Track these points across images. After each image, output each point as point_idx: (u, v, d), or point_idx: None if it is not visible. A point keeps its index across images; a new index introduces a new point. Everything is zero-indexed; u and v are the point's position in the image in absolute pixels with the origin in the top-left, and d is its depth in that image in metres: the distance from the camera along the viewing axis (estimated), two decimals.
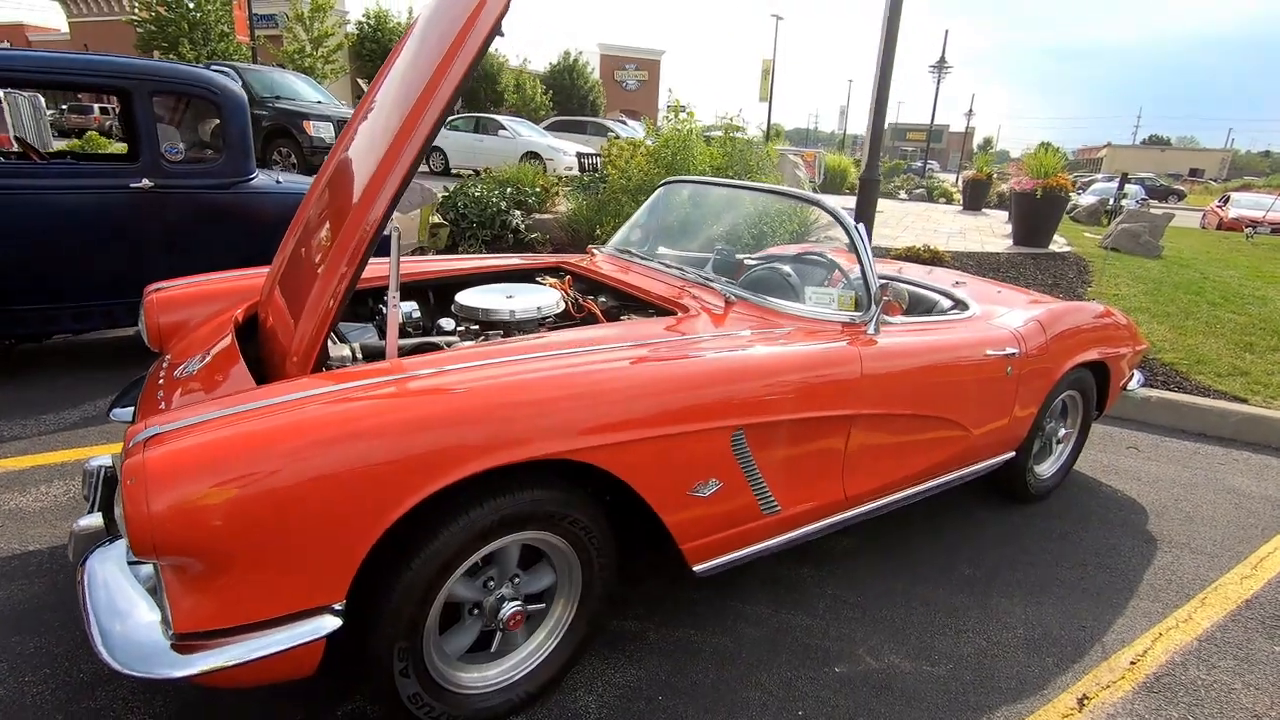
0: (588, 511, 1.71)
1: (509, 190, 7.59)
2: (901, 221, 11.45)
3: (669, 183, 3.22)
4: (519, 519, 1.58)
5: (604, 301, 2.51)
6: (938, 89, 28.67)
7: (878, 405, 2.19)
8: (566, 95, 39.51)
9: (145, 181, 3.57)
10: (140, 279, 3.80)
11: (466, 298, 2.27)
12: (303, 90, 11.77)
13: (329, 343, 1.92)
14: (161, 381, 1.93)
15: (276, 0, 29.72)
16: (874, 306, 2.25)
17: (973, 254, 7.78)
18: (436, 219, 6.02)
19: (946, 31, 27.30)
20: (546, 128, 18.25)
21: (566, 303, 2.44)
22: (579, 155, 11.30)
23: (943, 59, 27.82)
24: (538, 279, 2.77)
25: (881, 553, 2.64)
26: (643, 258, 2.75)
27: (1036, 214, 8.60)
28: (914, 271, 3.58)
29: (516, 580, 1.73)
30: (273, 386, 1.54)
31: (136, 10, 27.88)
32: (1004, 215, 12.82)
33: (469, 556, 1.55)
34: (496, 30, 1.64)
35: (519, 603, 1.70)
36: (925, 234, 9.60)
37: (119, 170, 3.56)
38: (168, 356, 2.16)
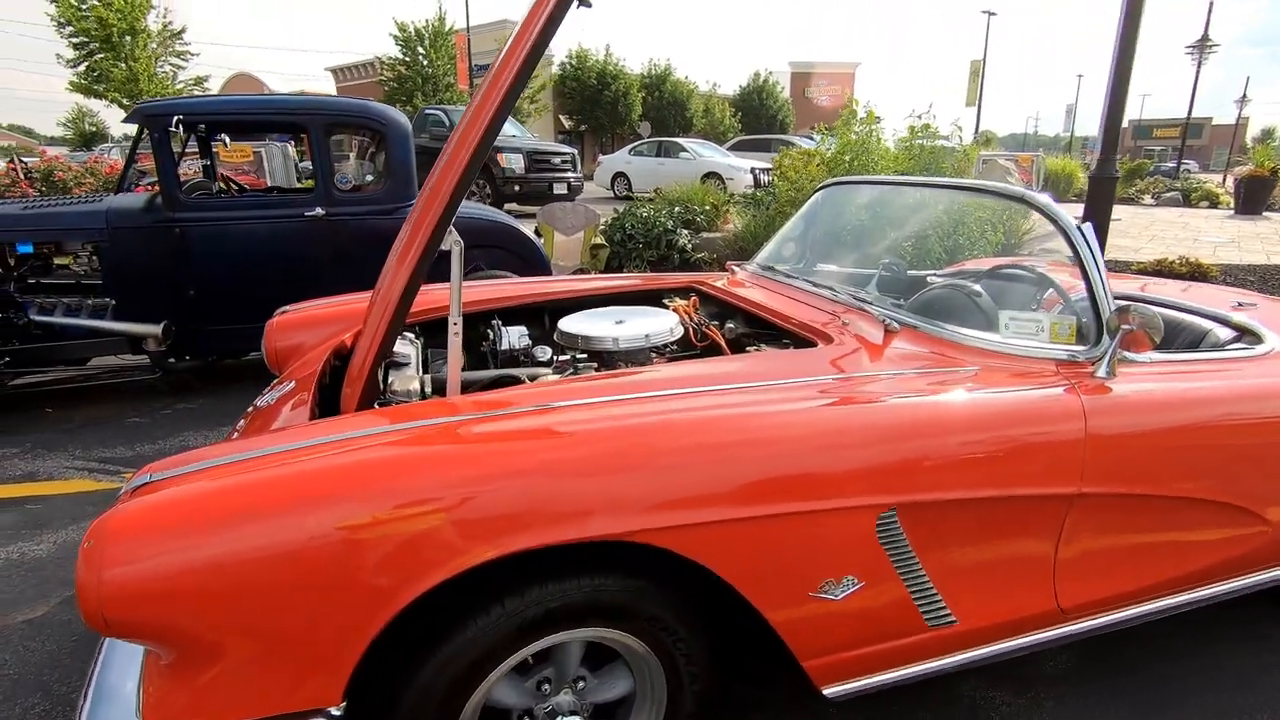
0: (672, 606, 1.29)
1: (677, 210, 7.37)
2: (1147, 230, 9.54)
3: (827, 185, 2.71)
4: (573, 613, 1.22)
5: (733, 328, 2.08)
6: (1198, 74, 23.93)
7: (1112, 481, 1.53)
8: (755, 116, 39.34)
9: (318, 210, 3.78)
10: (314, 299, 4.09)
11: (569, 323, 1.98)
12: None
13: (404, 372, 1.72)
14: (249, 411, 1.85)
15: (492, 51, 32.98)
16: (1107, 338, 1.59)
17: (1255, 267, 6.13)
18: (598, 240, 5.96)
19: (1211, 3, 22.55)
20: (730, 148, 18.05)
21: (687, 329, 2.05)
22: (753, 171, 10.86)
23: (1205, 36, 23.19)
24: (665, 300, 2.41)
25: (1115, 680, 1.89)
26: (788, 276, 2.28)
27: None
28: (1165, 289, 2.70)
29: (581, 684, 1.36)
30: (298, 428, 1.33)
31: (384, 72, 32.62)
32: None
33: (506, 657, 1.21)
34: (552, 28, 1.34)
35: (578, 718, 1.33)
36: (1181, 244, 7.84)
37: (298, 200, 3.82)
38: (274, 382, 2.11)
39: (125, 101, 26.44)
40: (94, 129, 44.85)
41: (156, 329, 3.67)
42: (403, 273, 1.40)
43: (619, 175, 16.22)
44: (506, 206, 11.48)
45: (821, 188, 2.73)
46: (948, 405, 1.45)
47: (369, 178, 5.16)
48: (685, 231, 7.12)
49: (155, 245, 3.63)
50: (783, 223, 5.64)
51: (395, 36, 30.38)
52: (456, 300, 1.46)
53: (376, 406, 1.51)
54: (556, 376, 1.71)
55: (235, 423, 1.79)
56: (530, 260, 4.28)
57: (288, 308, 2.41)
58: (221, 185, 4.41)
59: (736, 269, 2.60)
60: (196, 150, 4.55)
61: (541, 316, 2.45)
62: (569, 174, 12.30)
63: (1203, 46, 23.71)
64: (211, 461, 1.15)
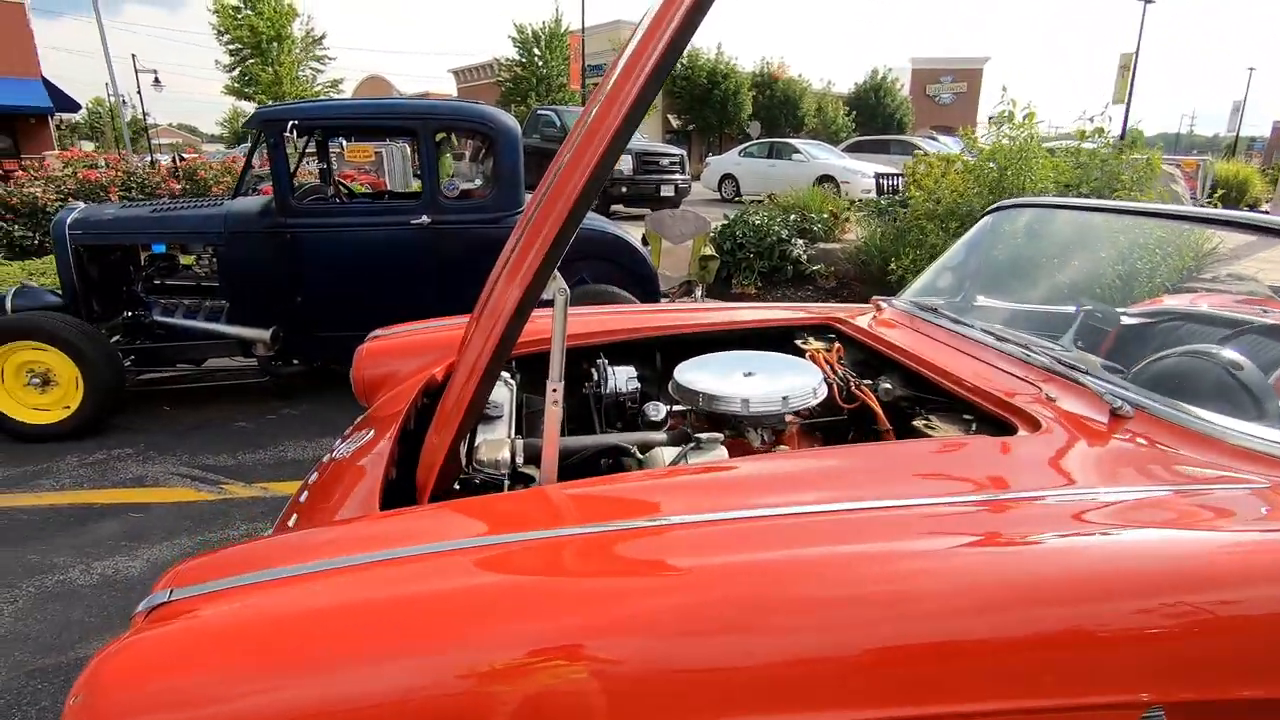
0: None
1: (793, 217, 6.91)
2: None
3: (1002, 208, 2.25)
4: None
5: (889, 389, 1.68)
6: None
7: None
8: (870, 115, 37.66)
9: (424, 218, 3.66)
10: (417, 313, 3.98)
11: (687, 373, 1.65)
12: None
13: (493, 430, 1.46)
14: (325, 460, 1.65)
15: (605, 52, 33.29)
16: None
17: None
18: (708, 250, 5.62)
19: None
20: (845, 149, 17.20)
21: (831, 385, 1.67)
22: (878, 176, 10.12)
23: None
24: (798, 339, 2.05)
25: None
26: (956, 319, 1.85)
27: None
28: None
29: None
30: (364, 527, 1.08)
31: (501, 73, 33.72)
32: None
33: None
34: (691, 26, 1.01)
35: None
36: None
37: (404, 208, 3.72)
38: (357, 421, 1.91)
39: (270, 103, 28.67)
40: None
41: (265, 334, 3.67)
42: (497, 325, 1.12)
43: (727, 177, 15.79)
44: (611, 208, 11.35)
45: (992, 211, 2.27)
46: (1235, 545, 1.02)
47: (478, 181, 5.07)
48: (801, 241, 6.66)
49: (267, 250, 3.62)
50: (916, 236, 5.11)
51: (513, 38, 31.26)
52: (558, 361, 1.17)
53: (457, 487, 1.25)
54: (673, 453, 1.39)
55: (307, 475, 1.59)
56: (637, 273, 4.00)
57: (379, 332, 2.23)
58: (334, 189, 4.41)
59: (884, 305, 2.19)
60: (315, 151, 4.59)
61: (653, 353, 2.15)
62: (677, 176, 12.03)
63: None
64: (250, 578, 0.91)
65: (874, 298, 2.22)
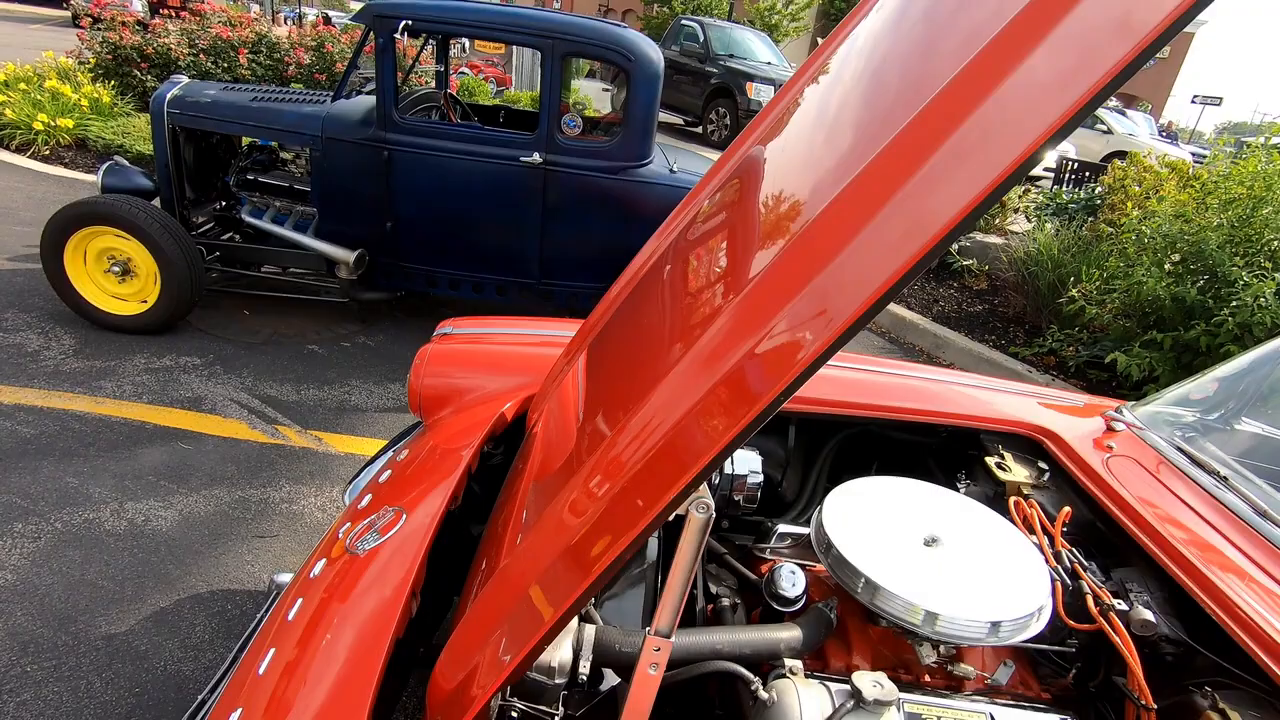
0: None
1: None
2: None
3: None
4: None
5: (1149, 623, 1.09)
6: None
7: None
8: None
9: (535, 156, 3.17)
10: (514, 259, 3.56)
11: (837, 522, 1.14)
12: (756, 49, 11.40)
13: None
14: (340, 533, 1.25)
15: None
16: None
17: None
18: None
19: None
20: None
21: (1054, 584, 1.12)
22: (1063, 159, 8.50)
23: None
24: (990, 457, 1.50)
25: None
26: (1261, 509, 1.23)
27: None
28: None
29: None
30: None
31: None
32: None
33: None
34: None
35: None
36: None
37: (514, 141, 3.22)
38: (398, 467, 1.50)
39: None
40: None
41: (349, 256, 3.36)
42: (639, 493, 0.66)
43: None
44: None
45: None
46: None
47: (606, 108, 4.48)
48: None
49: (362, 165, 3.25)
50: (1115, 262, 4.16)
51: None
52: (671, 608, 0.69)
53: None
54: (815, 703, 0.90)
55: (311, 562, 1.21)
56: None
57: (448, 328, 1.79)
58: (444, 102, 3.94)
59: (1119, 423, 1.57)
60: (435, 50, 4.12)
61: (784, 424, 1.64)
62: None
63: None
64: None
65: (1107, 415, 1.59)
